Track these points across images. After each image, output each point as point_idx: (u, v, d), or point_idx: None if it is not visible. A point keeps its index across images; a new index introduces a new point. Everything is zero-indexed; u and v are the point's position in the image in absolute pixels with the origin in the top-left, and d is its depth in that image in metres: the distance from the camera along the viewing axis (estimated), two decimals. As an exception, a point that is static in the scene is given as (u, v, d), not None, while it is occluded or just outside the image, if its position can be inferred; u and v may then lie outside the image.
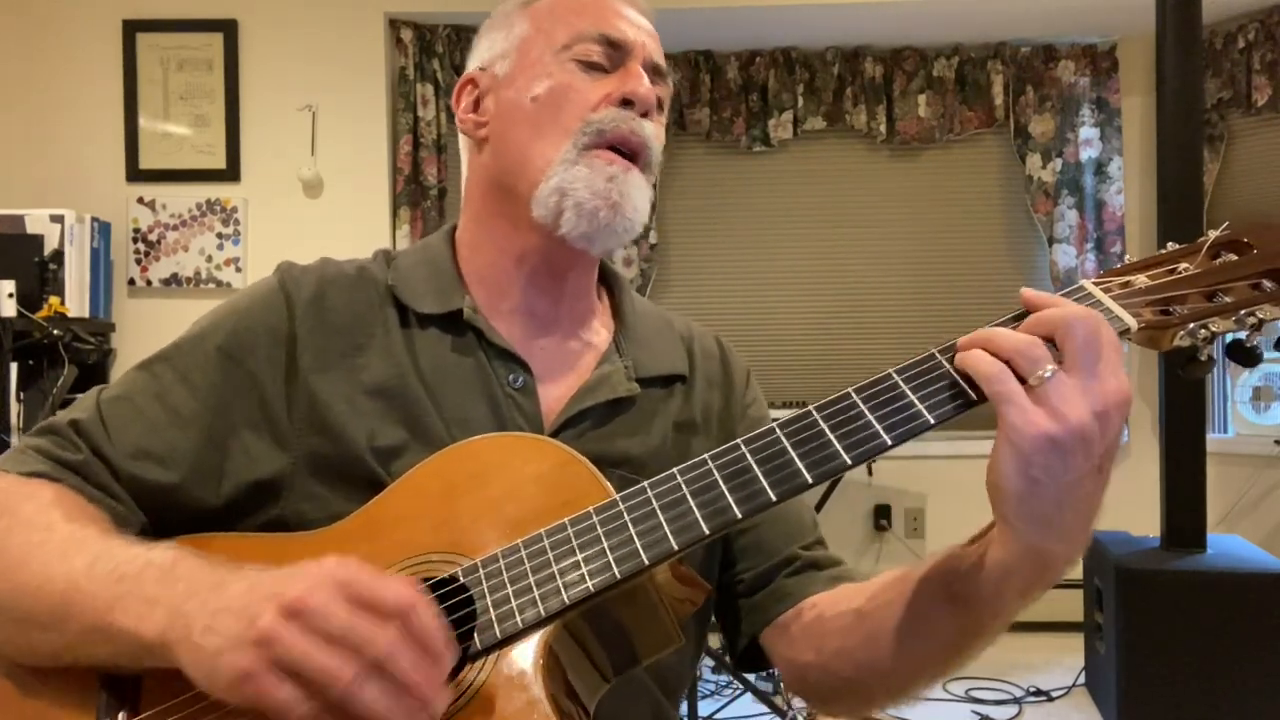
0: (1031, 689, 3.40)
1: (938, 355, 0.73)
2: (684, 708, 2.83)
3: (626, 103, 0.93)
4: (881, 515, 4.21)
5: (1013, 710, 3.27)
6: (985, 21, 3.98)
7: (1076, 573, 3.35)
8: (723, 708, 3.24)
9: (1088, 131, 4.09)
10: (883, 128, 4.18)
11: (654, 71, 0.96)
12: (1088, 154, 4.10)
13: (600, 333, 1.01)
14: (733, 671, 3.19)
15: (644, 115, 0.93)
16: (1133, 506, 3.80)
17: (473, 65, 1.02)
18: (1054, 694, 3.37)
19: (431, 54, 3.94)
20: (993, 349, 0.69)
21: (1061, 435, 0.66)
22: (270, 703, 0.63)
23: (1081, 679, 3.40)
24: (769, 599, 0.96)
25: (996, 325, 0.73)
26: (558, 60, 0.94)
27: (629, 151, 0.93)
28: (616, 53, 0.95)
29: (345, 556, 0.79)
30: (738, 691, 3.30)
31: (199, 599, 0.68)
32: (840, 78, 4.20)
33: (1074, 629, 3.54)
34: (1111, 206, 4.09)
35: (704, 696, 3.31)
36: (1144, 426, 4.05)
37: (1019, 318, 0.73)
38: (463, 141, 1.03)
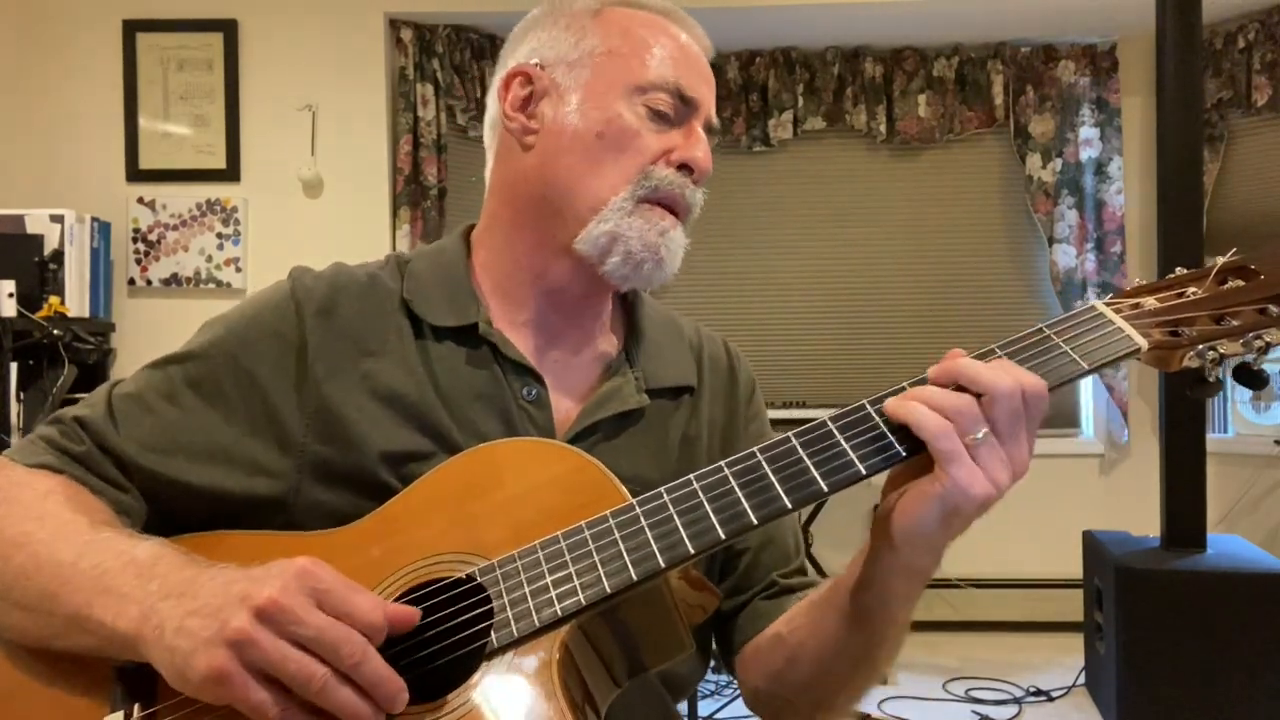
0: (1031, 689, 3.40)
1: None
2: (684, 708, 2.83)
3: (684, 166, 0.93)
4: (881, 515, 4.21)
5: (1013, 710, 3.27)
6: (985, 21, 3.98)
7: (1076, 572, 3.35)
8: (723, 708, 3.25)
9: (1088, 131, 4.10)
10: (883, 128, 4.18)
11: (708, 129, 0.97)
12: (1088, 154, 4.10)
13: (612, 341, 1.02)
14: (726, 669, 3.19)
15: (696, 182, 0.94)
16: (1133, 506, 3.81)
17: (525, 56, 0.97)
18: (1054, 694, 3.37)
19: (431, 54, 3.94)
20: (934, 406, 0.71)
21: (993, 497, 0.71)
22: (244, 703, 0.65)
23: (1081, 679, 3.40)
24: (744, 622, 0.99)
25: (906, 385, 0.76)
26: (629, 101, 0.93)
27: (674, 211, 0.94)
28: (685, 108, 0.94)
29: (363, 551, 0.81)
30: (738, 691, 3.30)
31: (173, 599, 0.70)
32: (840, 78, 4.20)
33: (1074, 629, 3.54)
34: (1111, 206, 4.09)
35: (704, 696, 3.32)
36: (1144, 426, 4.06)
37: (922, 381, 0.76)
38: (490, 132, 1.00)
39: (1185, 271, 0.80)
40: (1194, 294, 0.77)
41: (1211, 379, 0.76)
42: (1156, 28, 3.15)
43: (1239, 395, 4.03)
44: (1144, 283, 0.80)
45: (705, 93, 0.96)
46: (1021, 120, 4.15)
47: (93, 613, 0.73)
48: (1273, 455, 3.82)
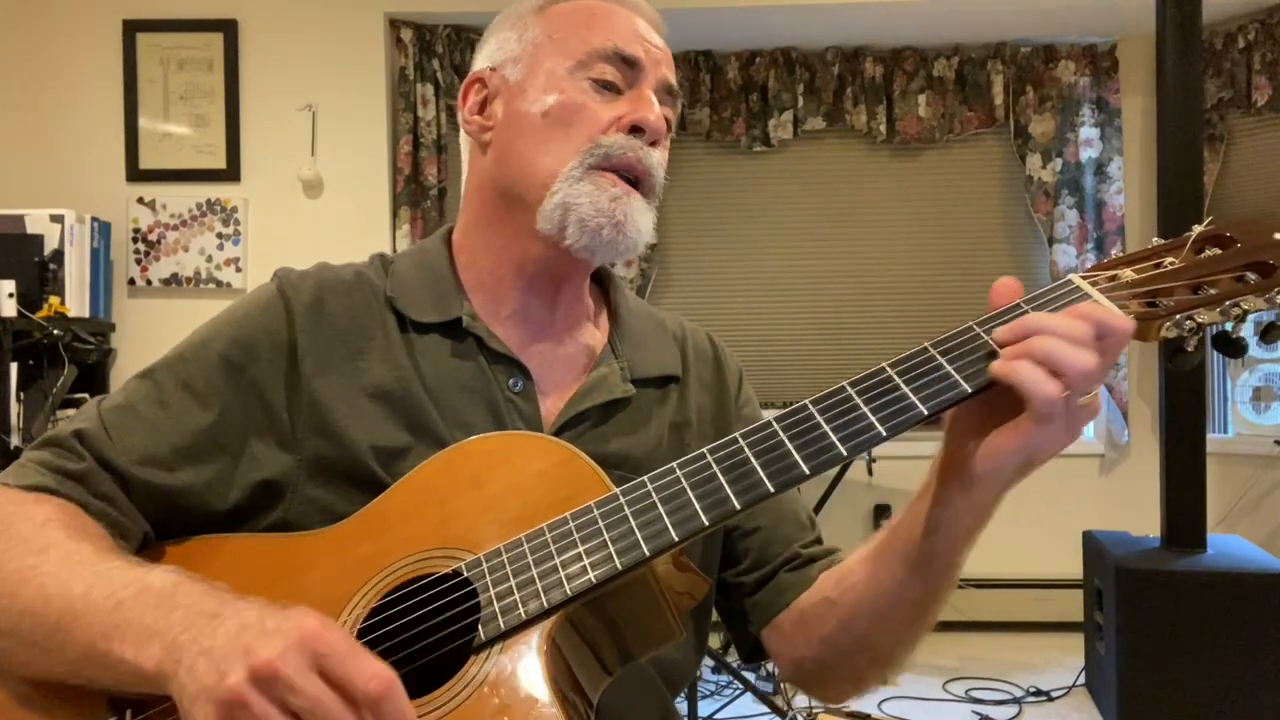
0: (1031, 689, 3.40)
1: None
2: (684, 708, 2.83)
3: (635, 129, 0.93)
4: (881, 515, 4.21)
5: (1013, 710, 3.27)
6: (985, 21, 3.98)
7: (1076, 572, 3.35)
8: (723, 708, 3.24)
9: (1088, 131, 4.10)
10: (883, 128, 4.18)
11: (665, 92, 0.97)
12: (1088, 154, 4.10)
13: (596, 334, 1.02)
14: (733, 671, 3.19)
15: (652, 143, 0.94)
16: (1133, 506, 3.81)
17: (481, 64, 1.01)
18: (1054, 694, 3.37)
19: (431, 54, 3.94)
20: (1060, 361, 0.68)
21: (1069, 444, 0.72)
22: None
23: (1081, 679, 3.40)
24: (770, 596, 0.99)
25: (975, 325, 0.74)
26: (571, 77, 0.94)
27: (633, 178, 0.93)
28: (630, 72, 0.94)
29: (351, 550, 0.81)
30: (738, 691, 3.30)
31: (191, 633, 0.68)
32: (840, 78, 4.20)
33: (1074, 629, 3.54)
34: (1111, 206, 4.09)
35: (704, 696, 3.32)
36: (1144, 426, 4.06)
37: (1004, 313, 0.74)
38: (464, 141, 1.03)
39: (1162, 241, 0.79)
40: (1171, 264, 0.76)
41: (1190, 348, 0.75)
42: (1156, 28, 3.15)
43: (1239, 395, 4.02)
44: (1121, 254, 0.79)
45: (652, 56, 0.96)
46: (1021, 120, 4.15)
47: (111, 647, 0.71)
48: (1273, 455, 3.82)
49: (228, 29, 3.80)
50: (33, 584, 0.76)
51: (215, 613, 0.69)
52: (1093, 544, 3.20)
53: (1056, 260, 4.09)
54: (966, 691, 3.39)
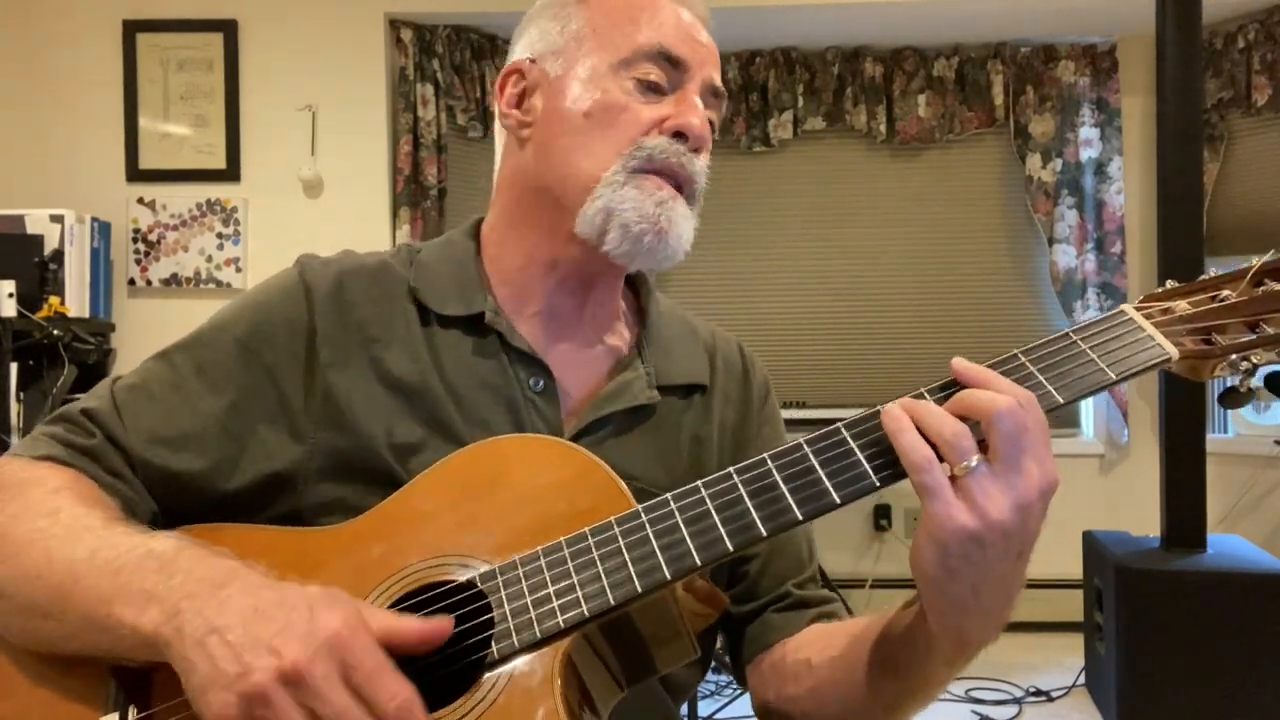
0: (1031, 689, 3.40)
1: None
2: (684, 708, 2.83)
3: (679, 134, 0.90)
4: (881, 515, 4.21)
5: (1013, 710, 3.27)
6: (985, 21, 3.98)
7: (1076, 572, 3.36)
8: (723, 708, 3.24)
9: (1088, 131, 4.10)
10: (883, 128, 4.18)
11: (710, 94, 0.94)
12: (1088, 154, 4.10)
13: (623, 335, 1.00)
14: (733, 672, 3.19)
15: (695, 150, 0.91)
16: (1133, 506, 3.81)
17: (520, 53, 0.97)
18: (1054, 694, 3.37)
19: (431, 54, 3.93)
20: (922, 430, 0.68)
21: (982, 530, 0.66)
22: None
23: (1081, 679, 3.40)
24: (756, 632, 0.97)
25: (925, 393, 0.72)
26: (614, 75, 0.90)
27: (675, 183, 0.91)
28: (676, 73, 0.91)
29: (364, 550, 0.79)
30: (738, 692, 3.30)
31: (195, 600, 0.68)
32: (840, 78, 4.20)
33: (1074, 629, 3.54)
34: (1111, 206, 4.09)
35: (704, 696, 3.32)
36: (1144, 426, 4.06)
37: (948, 386, 0.72)
38: (499, 132, 0.99)
39: (1220, 273, 0.75)
40: (1228, 298, 0.73)
41: (1244, 389, 0.73)
42: (1156, 28, 3.14)
43: (1239, 395, 4.03)
44: (1176, 284, 0.76)
45: (699, 55, 0.93)
46: (1021, 120, 4.15)
47: (112, 610, 0.70)
48: (1273, 455, 3.82)
49: (228, 29, 3.79)
50: (39, 546, 0.76)
51: (220, 581, 0.69)
52: (1093, 544, 3.21)
53: (1056, 260, 4.09)
54: (966, 691, 3.39)
